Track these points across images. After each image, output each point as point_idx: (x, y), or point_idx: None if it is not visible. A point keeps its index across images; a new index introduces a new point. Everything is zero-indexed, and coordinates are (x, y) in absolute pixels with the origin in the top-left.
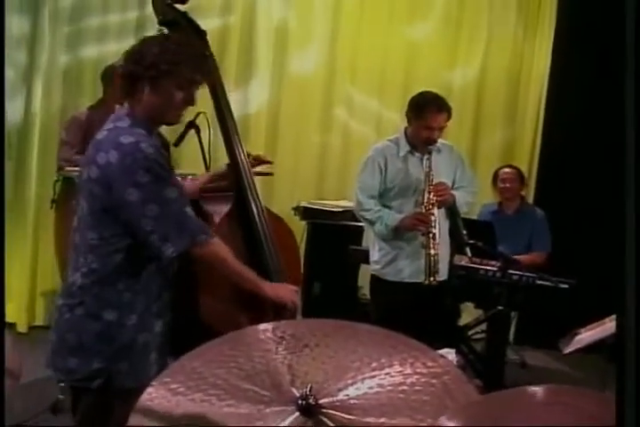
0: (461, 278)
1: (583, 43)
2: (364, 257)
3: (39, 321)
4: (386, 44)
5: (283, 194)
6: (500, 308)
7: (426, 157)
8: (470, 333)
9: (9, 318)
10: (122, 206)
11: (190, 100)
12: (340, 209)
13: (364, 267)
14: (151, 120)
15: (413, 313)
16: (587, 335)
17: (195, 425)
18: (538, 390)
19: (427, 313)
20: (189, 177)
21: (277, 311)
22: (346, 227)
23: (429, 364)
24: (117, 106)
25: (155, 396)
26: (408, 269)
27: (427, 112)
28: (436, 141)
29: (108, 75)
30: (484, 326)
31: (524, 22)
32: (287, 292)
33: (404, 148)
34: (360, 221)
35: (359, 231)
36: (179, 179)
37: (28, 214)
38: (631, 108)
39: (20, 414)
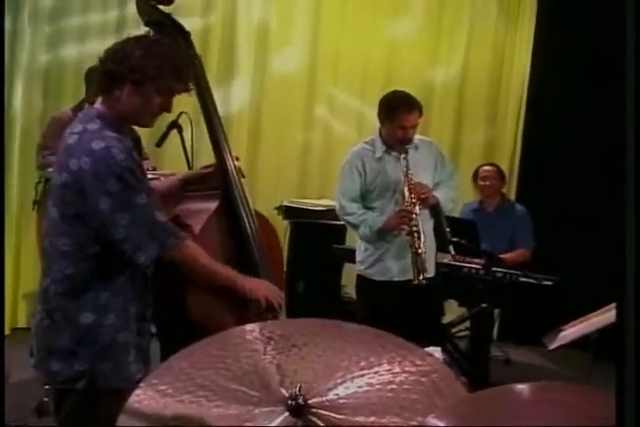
0: (444, 276)
1: (564, 39)
2: (347, 256)
3: (22, 323)
4: (367, 43)
5: (265, 193)
6: (483, 305)
7: (402, 156)
8: (454, 330)
9: None
10: (94, 214)
11: (167, 107)
12: (323, 208)
13: (347, 266)
14: (125, 121)
15: (399, 312)
16: (571, 331)
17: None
18: (526, 387)
19: (413, 311)
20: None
21: (262, 310)
22: (328, 226)
23: (418, 362)
24: (86, 105)
25: (143, 397)
26: (395, 268)
27: (399, 112)
28: (411, 140)
29: (92, 76)
30: (467, 324)
31: (505, 18)
32: (267, 288)
33: (380, 148)
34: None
35: (342, 230)
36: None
37: (9, 216)
38: (631, 108)
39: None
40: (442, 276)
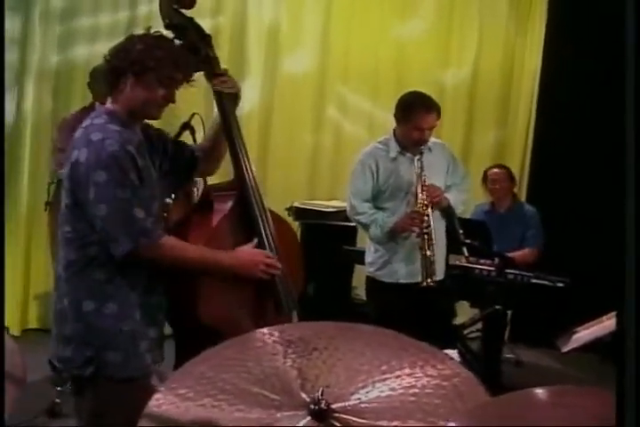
0: (456, 278)
1: (575, 39)
2: (358, 257)
3: (32, 324)
4: (377, 44)
5: (275, 194)
6: (497, 307)
7: (417, 157)
8: (465, 332)
9: None
10: (85, 203)
11: (170, 98)
12: (334, 209)
13: (357, 267)
14: (132, 114)
15: (410, 314)
16: (584, 334)
17: None
18: (543, 391)
19: (423, 314)
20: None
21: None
22: (339, 227)
23: (439, 366)
24: (97, 104)
25: (162, 402)
26: (403, 271)
27: (416, 113)
28: (426, 142)
29: (95, 77)
30: (478, 325)
31: (516, 19)
32: (255, 260)
33: (395, 149)
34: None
35: (353, 232)
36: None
37: (20, 217)
38: (631, 107)
39: (15, 417)
40: (454, 277)
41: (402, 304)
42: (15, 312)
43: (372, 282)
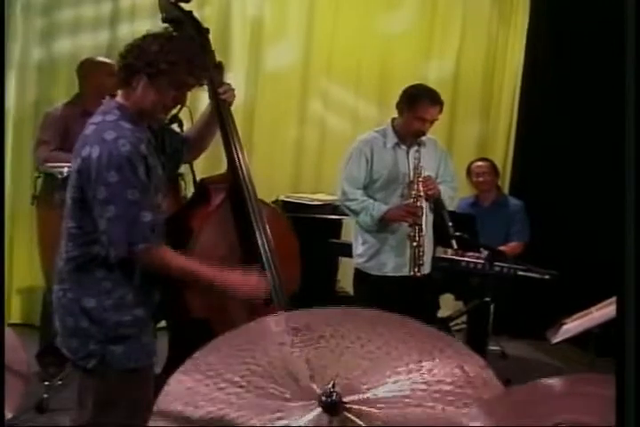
0: (443, 270)
1: (557, 33)
2: (343, 250)
3: (15, 319)
4: (361, 38)
5: (260, 188)
6: (487, 299)
7: (414, 148)
8: (450, 324)
9: None
10: (93, 201)
11: (181, 100)
12: (319, 202)
13: (342, 260)
14: (141, 113)
15: (395, 306)
16: (573, 325)
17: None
18: (557, 381)
19: (408, 306)
20: None
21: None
22: (324, 220)
23: (447, 352)
24: (107, 97)
25: (172, 397)
26: (391, 263)
27: (420, 103)
28: (424, 134)
29: (84, 69)
30: (463, 318)
31: (499, 12)
32: (252, 283)
33: (392, 139)
34: (338, 215)
35: (338, 225)
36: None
37: (3, 211)
38: (631, 104)
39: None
40: (440, 270)
41: (388, 297)
42: (4, 310)
43: (359, 274)
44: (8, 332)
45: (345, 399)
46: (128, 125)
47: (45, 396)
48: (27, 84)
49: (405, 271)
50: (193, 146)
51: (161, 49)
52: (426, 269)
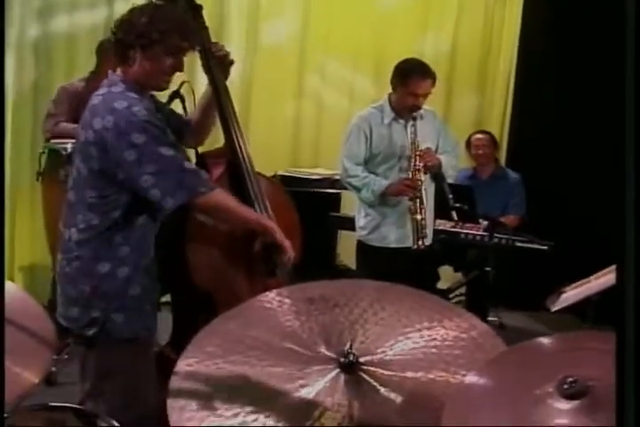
0: (442, 242)
1: (553, 6)
2: (343, 224)
3: None
4: (358, 12)
5: (258, 164)
6: (487, 269)
7: (410, 123)
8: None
9: None
10: (120, 166)
11: (179, 66)
12: (318, 177)
13: (342, 234)
14: (142, 85)
15: (398, 278)
16: (572, 294)
17: (237, 388)
18: (554, 338)
19: (410, 278)
20: None
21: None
22: (323, 194)
23: (456, 320)
24: (110, 71)
25: (192, 360)
26: (394, 235)
27: (412, 79)
28: (420, 108)
29: (102, 49)
30: (462, 289)
31: None
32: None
33: (389, 115)
34: (337, 189)
35: (337, 198)
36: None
37: (3, 197)
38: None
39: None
40: (440, 242)
41: (391, 269)
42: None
43: (362, 246)
44: (34, 303)
45: (361, 360)
46: (136, 95)
47: (53, 369)
48: (25, 64)
49: (408, 243)
50: (196, 129)
51: (150, 20)
52: (428, 241)
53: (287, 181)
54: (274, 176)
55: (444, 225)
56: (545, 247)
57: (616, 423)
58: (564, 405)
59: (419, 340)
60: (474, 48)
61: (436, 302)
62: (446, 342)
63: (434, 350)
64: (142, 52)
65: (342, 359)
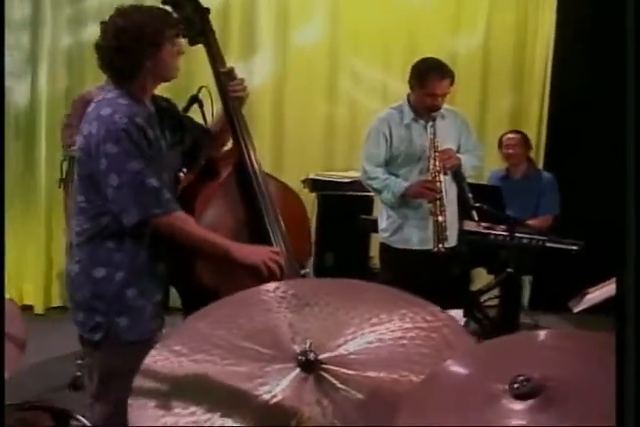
0: (471, 244)
1: (588, 3)
2: (375, 227)
3: (56, 302)
4: (388, 12)
5: (291, 167)
6: (509, 270)
7: (430, 124)
8: (484, 298)
9: (26, 299)
10: (96, 174)
11: (179, 51)
12: (349, 180)
13: (375, 236)
14: (151, 83)
15: (422, 280)
16: (596, 295)
17: (196, 386)
18: (539, 334)
19: (435, 280)
20: None
21: (264, 276)
22: (355, 197)
23: (429, 318)
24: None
25: (158, 358)
26: (416, 237)
27: (429, 79)
28: (439, 108)
29: None
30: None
31: None
32: (261, 253)
33: (408, 115)
34: (369, 191)
35: (369, 201)
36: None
37: (39, 196)
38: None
39: (36, 392)
40: (469, 243)
41: (413, 270)
42: (39, 291)
43: (385, 248)
44: (9, 303)
45: (321, 358)
46: (125, 102)
47: (79, 374)
48: (58, 72)
49: (430, 245)
50: (214, 139)
51: (124, 25)
52: (450, 243)
53: (319, 185)
54: (305, 180)
55: (473, 226)
56: (575, 247)
57: (616, 423)
58: (516, 405)
59: (386, 338)
60: (508, 46)
61: (412, 301)
62: (415, 341)
63: (401, 349)
64: (150, 56)
65: (300, 358)
